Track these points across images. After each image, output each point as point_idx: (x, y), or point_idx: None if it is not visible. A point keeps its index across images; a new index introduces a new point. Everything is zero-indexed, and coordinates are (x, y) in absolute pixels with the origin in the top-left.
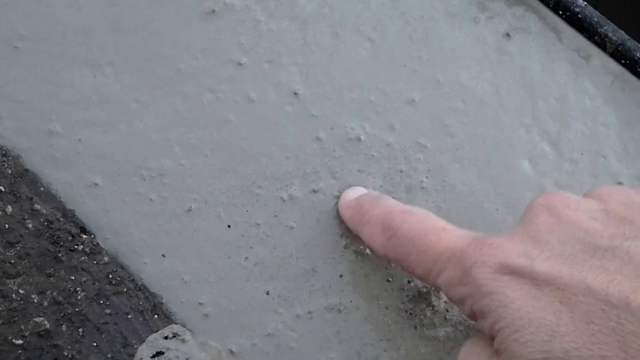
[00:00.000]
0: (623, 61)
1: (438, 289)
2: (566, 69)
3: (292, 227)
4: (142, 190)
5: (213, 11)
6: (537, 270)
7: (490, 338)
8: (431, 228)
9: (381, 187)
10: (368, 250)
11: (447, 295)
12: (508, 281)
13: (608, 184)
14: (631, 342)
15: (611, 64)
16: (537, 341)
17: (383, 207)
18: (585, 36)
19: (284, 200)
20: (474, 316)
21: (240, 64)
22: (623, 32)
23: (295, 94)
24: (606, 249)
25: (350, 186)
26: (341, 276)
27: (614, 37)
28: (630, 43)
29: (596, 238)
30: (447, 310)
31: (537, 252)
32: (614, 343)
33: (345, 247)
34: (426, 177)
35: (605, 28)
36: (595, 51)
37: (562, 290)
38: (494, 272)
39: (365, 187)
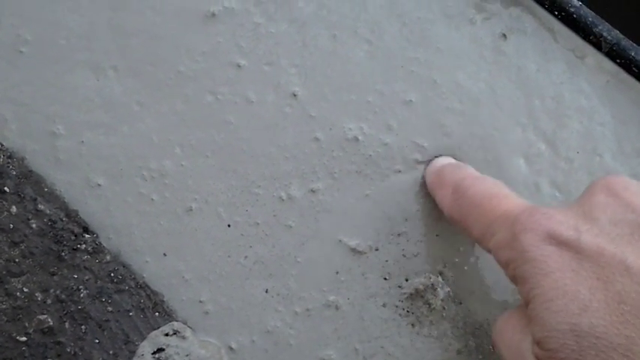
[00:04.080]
0: (618, 61)
1: (489, 252)
2: (561, 68)
3: (291, 226)
4: (144, 190)
5: (214, 15)
6: (583, 244)
7: (526, 306)
8: (495, 194)
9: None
10: (365, 249)
11: (495, 258)
12: (552, 251)
13: None
14: None
15: (607, 63)
16: (568, 312)
17: (459, 173)
18: (580, 36)
19: (283, 200)
20: (515, 280)
21: (239, 66)
22: (617, 31)
23: (294, 95)
24: None
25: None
26: (337, 273)
27: (609, 37)
28: (625, 42)
29: None
30: (444, 308)
31: (587, 227)
32: None
33: (343, 245)
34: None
35: (600, 27)
36: (590, 50)
37: (602, 268)
38: (540, 240)
39: (361, 186)
